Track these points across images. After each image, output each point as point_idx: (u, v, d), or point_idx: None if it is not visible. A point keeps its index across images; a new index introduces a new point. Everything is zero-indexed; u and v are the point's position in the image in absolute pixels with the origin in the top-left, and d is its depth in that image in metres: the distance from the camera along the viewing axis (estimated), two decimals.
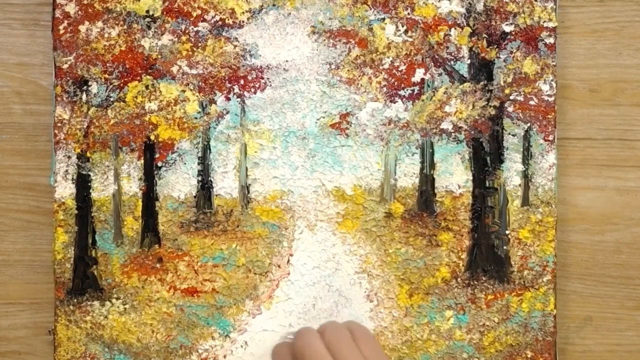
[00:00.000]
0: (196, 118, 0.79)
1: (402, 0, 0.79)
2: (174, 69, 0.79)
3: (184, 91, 0.79)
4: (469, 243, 0.79)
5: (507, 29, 0.79)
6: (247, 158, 0.80)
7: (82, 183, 0.79)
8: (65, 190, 0.79)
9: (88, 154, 0.79)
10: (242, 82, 0.80)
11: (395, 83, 0.79)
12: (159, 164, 0.80)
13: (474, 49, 0.79)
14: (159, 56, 0.79)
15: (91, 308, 0.79)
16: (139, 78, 0.79)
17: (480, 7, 0.79)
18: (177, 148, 0.80)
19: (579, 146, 0.82)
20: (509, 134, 0.79)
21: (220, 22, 0.79)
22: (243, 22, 0.79)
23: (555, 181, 0.79)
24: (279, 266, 0.80)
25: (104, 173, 0.79)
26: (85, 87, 0.79)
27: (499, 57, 0.79)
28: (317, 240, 0.80)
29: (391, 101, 0.79)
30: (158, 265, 0.79)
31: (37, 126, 0.82)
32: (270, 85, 0.80)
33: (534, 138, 0.79)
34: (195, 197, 0.80)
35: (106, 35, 0.79)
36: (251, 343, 0.79)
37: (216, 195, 0.80)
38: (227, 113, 0.80)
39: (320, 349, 0.68)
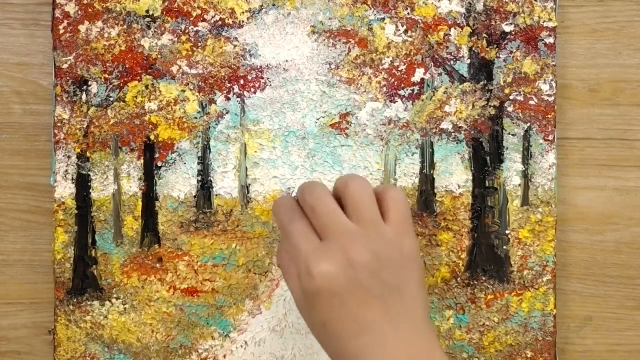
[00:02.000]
0: (196, 118, 0.80)
1: (402, 0, 0.79)
2: (174, 69, 0.79)
3: (184, 91, 0.79)
4: (469, 243, 0.79)
5: (507, 29, 0.79)
6: (247, 158, 0.80)
7: (82, 183, 0.79)
8: (65, 190, 0.79)
9: (88, 154, 0.79)
10: (242, 82, 0.80)
11: (395, 83, 0.79)
12: (159, 164, 0.80)
13: (474, 49, 0.79)
14: (159, 56, 0.79)
15: (91, 308, 0.79)
16: (139, 78, 0.79)
17: (480, 7, 0.79)
18: (177, 148, 0.80)
19: (579, 146, 0.82)
20: (509, 134, 0.79)
21: (220, 22, 0.79)
22: (243, 22, 0.79)
23: (555, 181, 0.79)
24: (279, 266, 0.80)
25: (104, 173, 0.79)
26: (85, 87, 0.79)
27: (499, 57, 0.79)
28: None
29: (391, 101, 0.79)
30: (158, 265, 0.79)
31: (37, 126, 0.82)
32: (270, 85, 0.80)
33: (534, 138, 0.79)
34: (195, 197, 0.80)
35: (106, 35, 0.79)
36: (251, 343, 0.79)
37: (216, 195, 0.80)
38: (227, 113, 0.80)
39: (334, 206, 0.62)
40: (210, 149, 0.80)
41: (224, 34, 0.79)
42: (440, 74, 0.79)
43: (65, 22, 0.78)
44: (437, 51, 0.79)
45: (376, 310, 0.61)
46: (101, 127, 0.79)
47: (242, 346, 0.79)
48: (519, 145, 0.79)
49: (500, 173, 0.79)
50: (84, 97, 0.79)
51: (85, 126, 0.79)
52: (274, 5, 0.79)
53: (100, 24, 0.79)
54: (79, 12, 0.79)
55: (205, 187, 0.80)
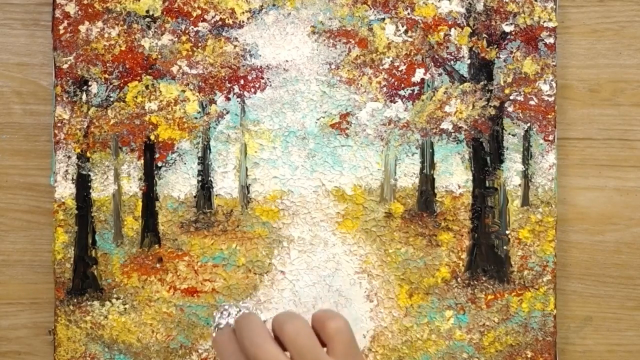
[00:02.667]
0: (196, 118, 0.80)
1: (402, 0, 0.79)
2: (174, 69, 0.79)
3: (184, 91, 0.79)
4: (469, 243, 0.79)
5: (507, 29, 0.79)
6: (247, 158, 0.80)
7: (82, 183, 0.79)
8: (65, 190, 0.79)
9: (88, 154, 0.79)
10: (242, 82, 0.80)
11: (395, 83, 0.79)
12: (159, 164, 0.80)
13: (474, 49, 0.79)
14: (159, 56, 0.79)
15: (91, 308, 0.79)
16: (139, 78, 0.79)
17: (480, 7, 0.79)
18: (177, 148, 0.80)
19: (579, 146, 0.82)
20: (509, 134, 0.79)
21: (220, 22, 0.79)
22: (243, 22, 0.79)
23: (555, 181, 0.79)
24: (278, 267, 0.80)
25: (104, 173, 0.79)
26: (85, 87, 0.79)
27: (499, 57, 0.79)
28: (317, 240, 0.80)
29: (391, 101, 0.79)
30: (158, 265, 0.79)
31: (37, 126, 0.82)
32: (270, 85, 0.80)
33: (533, 138, 0.79)
34: (195, 197, 0.80)
35: (106, 35, 0.79)
36: None
37: (216, 195, 0.80)
38: (227, 113, 0.80)
39: (276, 353, 0.59)
40: (210, 149, 0.80)
41: (224, 34, 0.79)
42: (440, 74, 0.79)
43: (65, 22, 0.78)
44: (437, 51, 0.79)
45: None
46: (101, 127, 0.79)
47: None
48: (519, 145, 0.79)
49: (500, 173, 0.79)
50: (84, 97, 0.79)
51: (85, 126, 0.79)
52: (274, 5, 0.79)
53: (100, 24, 0.79)
54: (79, 12, 0.79)
55: (205, 187, 0.80)
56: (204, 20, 0.79)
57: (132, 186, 0.80)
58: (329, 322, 0.61)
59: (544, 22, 0.79)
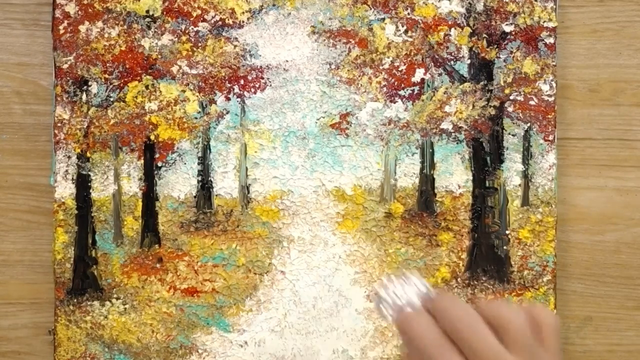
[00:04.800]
0: (196, 118, 0.80)
1: (402, 0, 0.79)
2: (174, 69, 0.80)
3: (184, 91, 0.80)
4: (469, 243, 0.80)
5: (507, 29, 0.80)
6: (247, 158, 0.80)
7: (82, 183, 0.80)
8: (65, 190, 0.80)
9: (88, 154, 0.80)
10: (242, 82, 0.80)
11: (395, 83, 0.80)
12: (159, 164, 0.80)
13: (474, 49, 0.80)
14: (159, 56, 0.80)
15: (91, 308, 0.80)
16: (139, 78, 0.80)
17: (480, 7, 0.80)
18: (177, 148, 0.80)
19: (579, 146, 0.83)
20: (509, 134, 0.80)
21: (220, 22, 0.80)
22: (243, 22, 0.80)
23: (555, 181, 0.80)
24: (278, 267, 0.81)
25: (104, 173, 0.80)
26: (85, 87, 0.80)
27: (499, 57, 0.80)
28: (317, 240, 0.81)
29: (391, 101, 0.80)
30: (158, 265, 0.80)
31: (37, 126, 0.83)
32: (270, 85, 0.80)
33: (534, 138, 0.80)
34: (195, 197, 0.80)
35: (106, 35, 0.79)
36: (251, 343, 0.80)
37: (216, 195, 0.80)
38: (227, 113, 0.80)
39: (492, 341, 0.54)
40: (210, 149, 0.80)
41: (224, 34, 0.80)
42: (440, 74, 0.80)
43: (65, 22, 0.79)
44: (437, 51, 0.80)
45: None
46: (101, 127, 0.79)
47: (241, 346, 0.80)
48: (519, 145, 0.80)
49: (500, 173, 0.80)
50: (84, 97, 0.80)
51: (85, 126, 0.80)
52: (274, 5, 0.80)
53: (100, 24, 0.79)
54: (79, 12, 0.79)
55: (205, 187, 0.80)
56: (204, 20, 0.80)
57: (132, 186, 0.80)
58: (547, 318, 0.58)
59: (544, 22, 0.79)
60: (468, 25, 0.80)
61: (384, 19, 0.80)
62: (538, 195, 0.80)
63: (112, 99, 0.80)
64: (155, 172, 0.80)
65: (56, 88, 0.79)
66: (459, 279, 0.80)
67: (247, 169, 0.80)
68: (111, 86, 0.80)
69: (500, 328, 0.55)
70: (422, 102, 0.80)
